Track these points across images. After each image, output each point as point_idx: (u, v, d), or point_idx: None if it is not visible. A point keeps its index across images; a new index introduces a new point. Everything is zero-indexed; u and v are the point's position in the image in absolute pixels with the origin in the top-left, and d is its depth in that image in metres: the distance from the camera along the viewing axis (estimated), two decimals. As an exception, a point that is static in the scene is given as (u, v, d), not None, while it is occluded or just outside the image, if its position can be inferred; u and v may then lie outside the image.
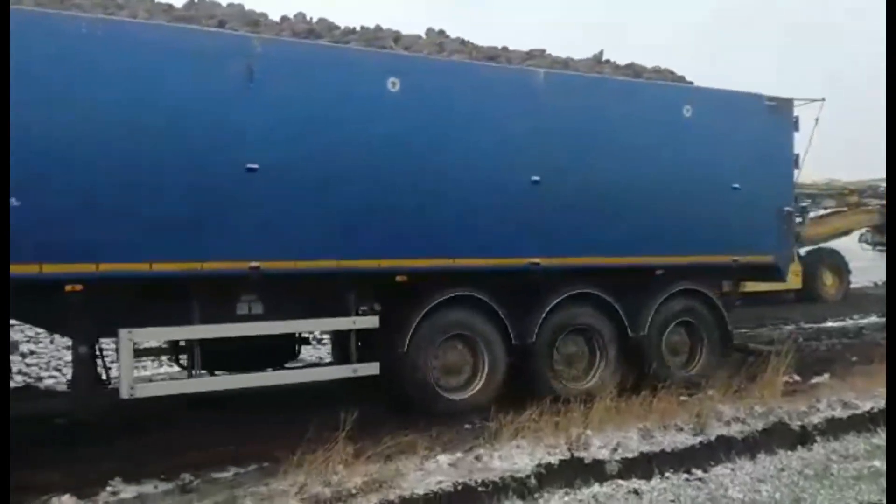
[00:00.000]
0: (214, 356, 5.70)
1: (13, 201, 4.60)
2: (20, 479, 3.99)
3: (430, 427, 5.32)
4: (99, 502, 4.26)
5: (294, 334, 6.18)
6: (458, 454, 4.54)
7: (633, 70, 7.87)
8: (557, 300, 6.58)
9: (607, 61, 7.77)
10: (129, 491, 4.43)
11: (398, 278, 5.87)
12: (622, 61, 8.12)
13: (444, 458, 4.43)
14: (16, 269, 4.54)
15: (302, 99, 5.47)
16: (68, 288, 4.84)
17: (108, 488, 4.43)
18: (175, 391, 5.36)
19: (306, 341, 6.85)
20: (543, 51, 7.54)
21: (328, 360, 7.82)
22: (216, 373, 5.66)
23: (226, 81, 5.23)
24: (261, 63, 5.33)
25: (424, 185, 5.92)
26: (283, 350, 6.17)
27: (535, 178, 6.36)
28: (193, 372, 5.32)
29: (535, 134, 6.38)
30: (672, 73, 8.26)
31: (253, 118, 5.27)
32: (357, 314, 5.93)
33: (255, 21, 6.23)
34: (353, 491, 3.92)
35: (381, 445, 4.35)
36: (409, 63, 6.11)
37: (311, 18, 6.80)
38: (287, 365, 6.10)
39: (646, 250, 6.94)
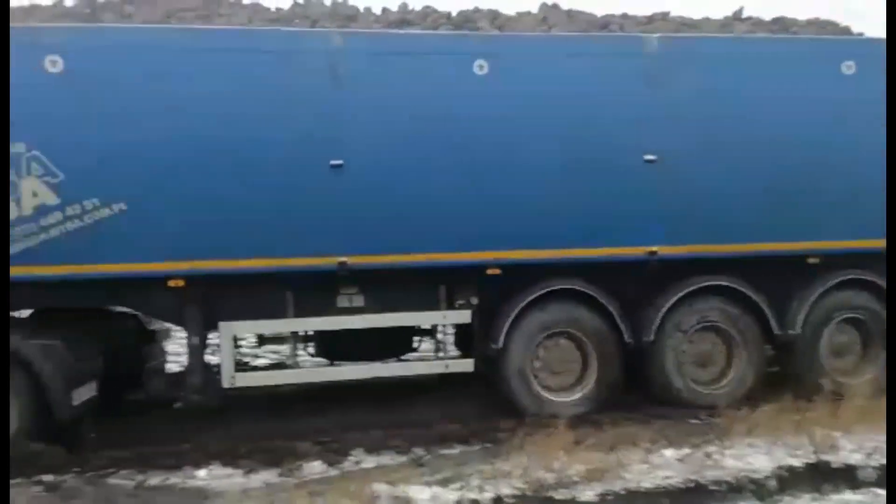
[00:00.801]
0: (330, 347, 5.91)
1: (122, 205, 5.10)
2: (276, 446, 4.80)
3: (651, 420, 5.31)
4: (344, 469, 4.63)
5: (410, 326, 6.07)
6: (686, 449, 4.42)
7: (782, 24, 6.85)
8: (681, 294, 5.88)
9: (748, 18, 6.83)
10: (369, 461, 4.80)
11: (489, 271, 5.57)
12: (770, 14, 7.14)
13: (670, 453, 4.35)
14: (128, 268, 5.05)
15: (385, 91, 5.37)
16: (171, 283, 5.21)
17: (351, 457, 4.83)
18: (272, 382, 5.58)
19: (430, 332, 6.78)
20: (667, 13, 6.83)
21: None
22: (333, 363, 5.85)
23: (312, 79, 5.29)
24: (343, 58, 5.33)
25: (518, 171, 5.56)
26: (397, 341, 6.12)
27: (650, 157, 5.74)
28: (290, 362, 5.50)
29: (650, 107, 5.76)
30: (835, 24, 7.07)
31: (336, 114, 5.28)
32: (454, 308, 5.75)
33: (351, 16, 6.31)
34: (576, 478, 3.94)
35: (601, 434, 4.44)
36: (498, 43, 5.81)
37: (410, 8, 6.77)
38: (386, 359, 6.08)
39: (795, 235, 5.98)
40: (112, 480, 4.53)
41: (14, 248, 4.99)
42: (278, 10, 7.13)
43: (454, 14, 6.69)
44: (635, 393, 6.01)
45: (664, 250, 5.78)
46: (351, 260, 5.32)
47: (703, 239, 5.84)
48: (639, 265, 5.85)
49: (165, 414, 6.04)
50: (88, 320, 5.78)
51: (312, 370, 5.69)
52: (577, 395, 5.82)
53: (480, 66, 5.53)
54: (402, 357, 6.16)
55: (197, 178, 5.14)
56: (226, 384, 5.34)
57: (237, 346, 6.11)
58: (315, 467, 4.63)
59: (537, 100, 5.62)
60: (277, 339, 6.17)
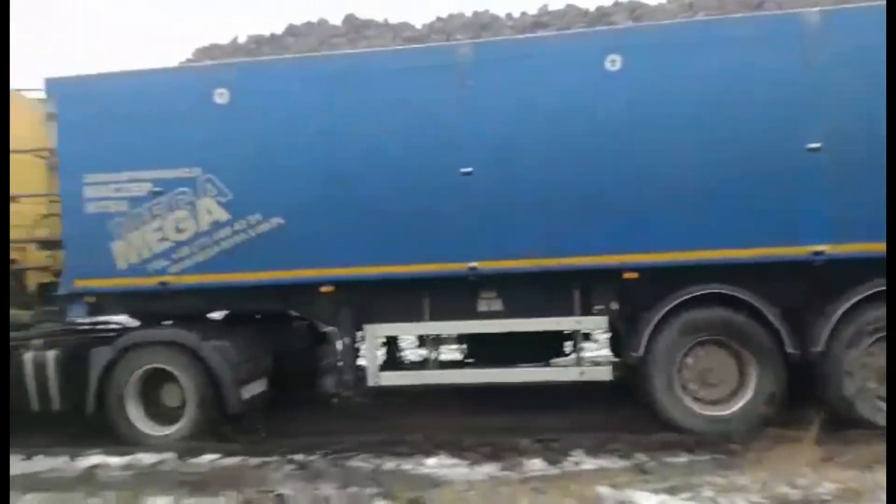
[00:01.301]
0: (480, 350, 6.12)
1: (280, 220, 5.68)
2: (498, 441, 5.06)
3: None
4: (564, 468, 4.75)
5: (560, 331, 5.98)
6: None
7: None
8: (856, 299, 5.26)
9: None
10: (589, 463, 4.84)
11: (626, 275, 5.43)
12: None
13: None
14: (284, 275, 5.70)
15: (511, 97, 5.47)
16: (322, 289, 5.71)
17: (571, 457, 4.91)
18: (413, 382, 5.86)
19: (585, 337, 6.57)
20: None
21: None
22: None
23: (440, 91, 5.54)
24: (470, 68, 5.51)
25: (657, 168, 5.36)
26: (546, 346, 6.08)
27: (813, 145, 5.25)
28: (431, 364, 5.77)
29: (812, 91, 5.27)
30: None
31: (465, 123, 5.48)
32: (591, 313, 5.66)
33: (486, 24, 6.48)
34: (826, 497, 3.73)
35: (855, 451, 4.16)
36: (631, 36, 5.60)
37: (550, 9, 6.79)
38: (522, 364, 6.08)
39: None
40: (352, 463, 4.99)
41: (194, 260, 5.78)
42: (424, 25, 7.56)
43: (592, 10, 6.58)
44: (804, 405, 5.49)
45: (832, 249, 5.25)
46: (480, 265, 5.48)
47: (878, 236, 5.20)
48: (800, 267, 5.37)
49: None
50: (261, 323, 6.49)
51: (450, 372, 5.89)
52: (734, 409, 5.42)
53: (613, 62, 5.41)
54: (538, 363, 6.11)
55: (341, 192, 5.60)
56: (371, 382, 5.74)
57: (395, 347, 6.52)
58: (536, 464, 4.76)
59: (678, 91, 5.37)
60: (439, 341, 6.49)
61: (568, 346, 6.09)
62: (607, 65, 5.40)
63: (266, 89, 5.75)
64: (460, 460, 4.90)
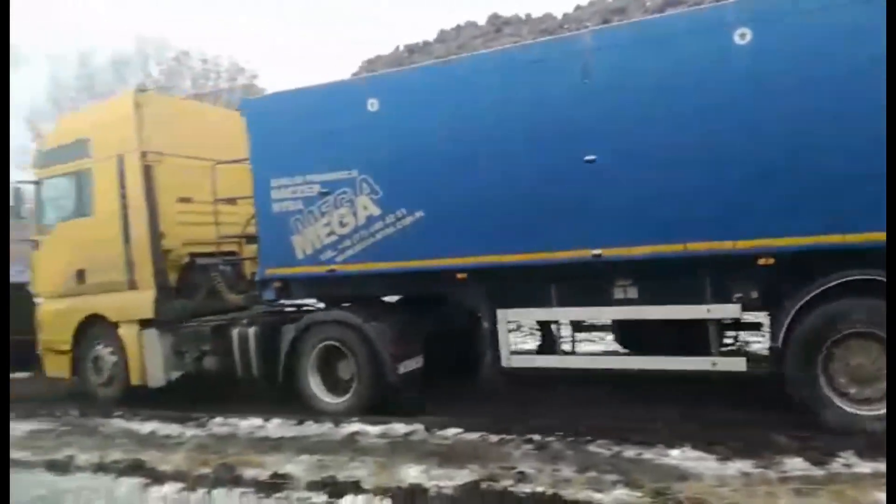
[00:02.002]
0: (631, 338, 6.34)
1: (420, 213, 6.34)
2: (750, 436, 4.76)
3: None
4: (832, 470, 4.34)
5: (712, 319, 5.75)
6: None
7: None
8: None
9: None
10: (863, 466, 4.34)
11: (761, 262, 5.22)
12: None
13: None
14: (426, 263, 6.37)
15: (633, 81, 5.51)
16: (458, 276, 6.28)
17: (840, 459, 4.47)
18: (543, 365, 6.21)
19: (752, 326, 6.26)
20: None
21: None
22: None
23: (566, 80, 5.75)
24: (593, 57, 5.65)
25: (800, 144, 5.07)
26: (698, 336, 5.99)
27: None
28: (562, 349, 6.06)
29: None
30: None
31: (588, 111, 5.64)
32: (731, 301, 5.50)
33: (619, 9, 6.50)
34: None
35: None
36: (764, 4, 5.27)
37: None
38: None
39: None
40: (591, 448, 4.99)
41: (355, 250, 6.69)
42: (564, 15, 7.46)
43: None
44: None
45: None
46: (605, 252, 5.64)
47: None
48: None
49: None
50: (423, 305, 7.26)
51: (577, 357, 6.16)
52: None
53: (742, 35, 5.21)
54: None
55: (469, 186, 6.10)
56: (504, 364, 6.19)
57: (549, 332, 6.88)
58: (797, 463, 4.40)
59: (810, 60, 5.00)
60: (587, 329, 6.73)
61: (732, 335, 5.99)
62: (736, 39, 5.22)
63: (403, 97, 6.45)
64: (706, 454, 4.64)
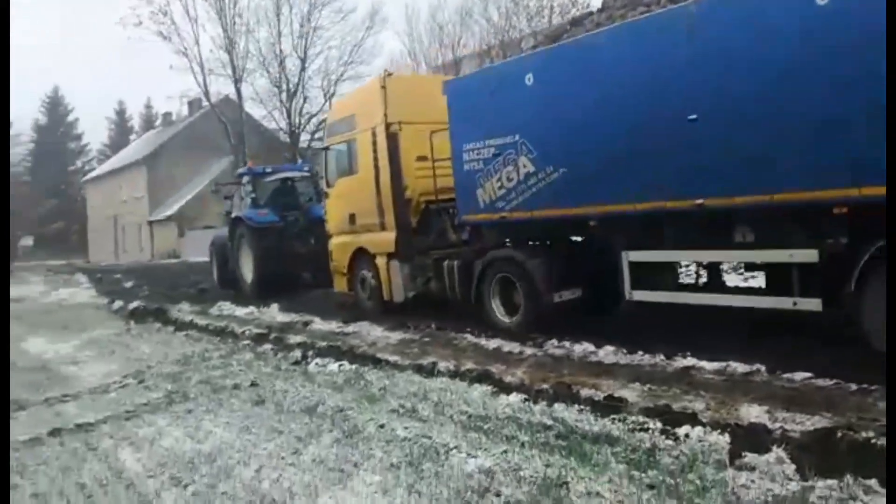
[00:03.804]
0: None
1: (564, 170, 7.67)
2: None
3: None
4: None
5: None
6: None
7: None
8: None
9: None
10: None
11: (836, 210, 5.51)
12: None
13: None
14: (564, 212, 7.73)
15: (730, 44, 6.04)
16: (591, 224, 7.57)
17: None
18: (657, 299, 7.14)
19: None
20: None
21: None
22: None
23: (675, 47, 6.49)
24: (697, 22, 6.28)
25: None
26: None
27: None
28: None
29: None
30: None
31: (692, 74, 6.34)
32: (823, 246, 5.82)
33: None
34: None
35: None
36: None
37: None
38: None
39: None
40: None
41: (518, 200, 8.33)
42: None
43: None
44: None
45: None
46: (707, 202, 6.37)
47: None
48: None
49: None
50: (574, 248, 8.65)
51: (683, 293, 6.93)
52: None
53: (822, -4, 5.37)
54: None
55: (600, 147, 7.24)
56: (626, 297, 7.32)
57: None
58: None
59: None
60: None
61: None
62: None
63: (550, 72, 7.77)
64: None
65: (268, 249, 15.44)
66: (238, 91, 34.71)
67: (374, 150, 10.85)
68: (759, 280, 7.30)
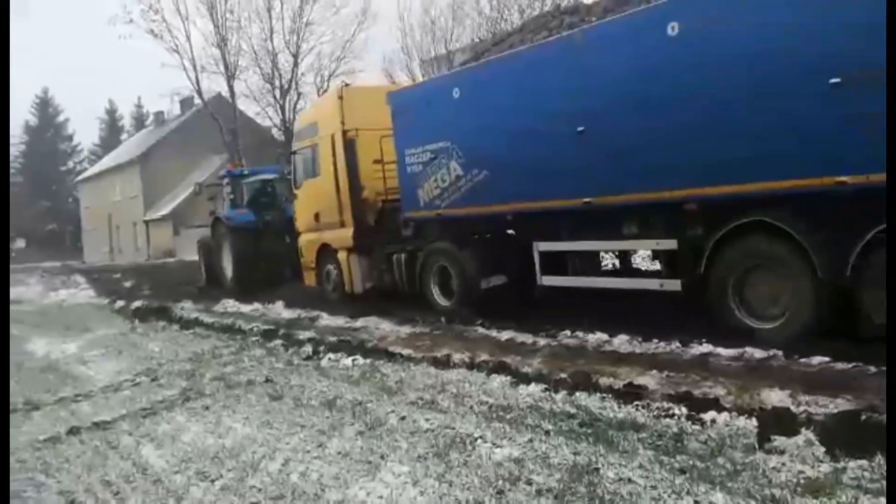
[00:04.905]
0: None
1: (487, 172, 8.90)
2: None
3: None
4: None
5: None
6: None
7: None
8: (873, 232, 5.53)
9: None
10: None
11: (686, 206, 6.81)
12: None
13: None
14: (484, 210, 8.96)
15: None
16: (508, 219, 8.81)
17: None
18: (561, 284, 8.42)
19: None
20: None
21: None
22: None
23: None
24: (583, 53, 7.56)
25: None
26: None
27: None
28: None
29: None
30: None
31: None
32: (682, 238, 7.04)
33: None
34: None
35: None
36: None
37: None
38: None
39: None
40: None
41: (450, 200, 9.56)
42: None
43: None
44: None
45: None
46: (594, 200, 7.63)
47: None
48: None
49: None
50: (499, 240, 9.88)
51: (575, 278, 8.28)
52: (775, 324, 6.38)
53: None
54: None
55: (511, 154, 8.48)
56: (538, 283, 8.61)
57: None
58: None
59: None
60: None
61: None
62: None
63: (471, 87, 9.03)
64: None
65: (245, 247, 16.49)
66: (231, 88, 35.25)
67: (334, 155, 12.05)
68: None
